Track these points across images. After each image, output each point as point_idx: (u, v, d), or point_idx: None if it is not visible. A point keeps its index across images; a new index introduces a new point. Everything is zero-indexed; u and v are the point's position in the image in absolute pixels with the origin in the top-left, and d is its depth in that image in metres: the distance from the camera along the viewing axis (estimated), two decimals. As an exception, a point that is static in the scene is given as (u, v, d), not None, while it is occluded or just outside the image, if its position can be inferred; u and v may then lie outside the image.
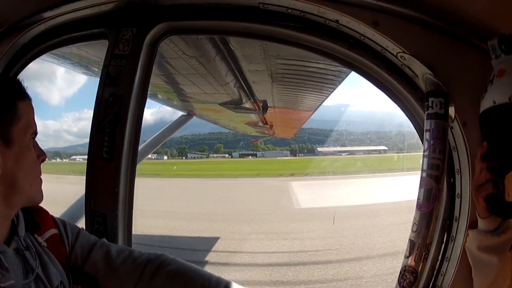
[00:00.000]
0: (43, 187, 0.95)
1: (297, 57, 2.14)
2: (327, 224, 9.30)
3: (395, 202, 11.06)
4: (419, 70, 1.09)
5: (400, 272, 1.12)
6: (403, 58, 1.10)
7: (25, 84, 0.93)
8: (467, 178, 1.13)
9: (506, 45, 0.92)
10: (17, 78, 0.95)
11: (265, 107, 3.91)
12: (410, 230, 1.10)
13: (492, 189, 0.91)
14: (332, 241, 7.98)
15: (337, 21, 1.10)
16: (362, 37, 1.12)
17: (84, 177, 1.28)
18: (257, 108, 3.87)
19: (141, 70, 1.27)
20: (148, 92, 1.33)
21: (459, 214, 1.17)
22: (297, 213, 11.84)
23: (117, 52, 1.28)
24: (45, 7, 1.33)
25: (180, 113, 4.96)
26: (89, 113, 1.33)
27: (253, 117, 5.00)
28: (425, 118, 1.07)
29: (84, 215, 1.30)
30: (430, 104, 1.06)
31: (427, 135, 1.06)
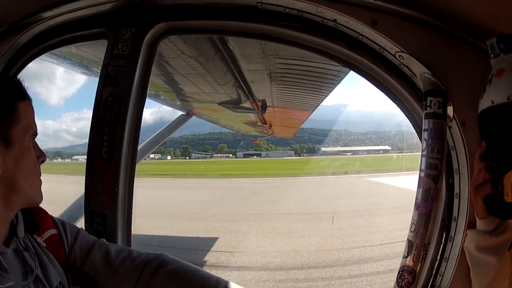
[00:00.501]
0: (43, 187, 0.94)
1: (296, 56, 2.14)
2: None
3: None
4: (418, 70, 1.09)
5: (398, 272, 1.12)
6: (401, 57, 1.09)
7: (25, 84, 0.93)
8: (465, 178, 1.13)
9: (505, 44, 0.91)
10: (18, 78, 0.94)
11: (264, 107, 3.91)
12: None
13: (491, 190, 0.90)
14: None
15: (335, 20, 1.10)
16: (360, 37, 1.12)
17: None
18: (256, 107, 3.87)
19: (140, 70, 1.27)
20: (148, 92, 1.33)
21: (458, 214, 1.16)
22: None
23: (116, 52, 1.28)
24: (45, 7, 1.34)
25: (179, 113, 4.96)
26: (88, 113, 1.33)
27: (252, 116, 5.00)
28: (423, 117, 1.07)
29: (83, 215, 1.31)
30: (428, 104, 1.05)
31: (425, 135, 1.06)
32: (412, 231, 1.08)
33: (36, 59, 1.54)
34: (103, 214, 1.26)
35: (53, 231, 1.01)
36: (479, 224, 0.98)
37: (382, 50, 1.12)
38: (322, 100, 3.67)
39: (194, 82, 2.82)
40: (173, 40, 1.88)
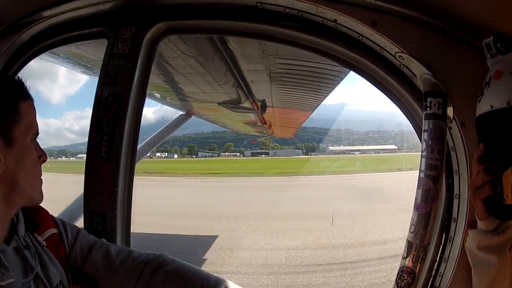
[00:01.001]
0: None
1: (296, 56, 2.13)
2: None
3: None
4: (418, 70, 1.09)
5: (398, 272, 1.12)
6: (401, 58, 1.09)
7: (27, 84, 0.93)
8: (465, 179, 1.13)
9: (502, 44, 0.89)
10: (19, 78, 0.95)
11: (263, 107, 3.90)
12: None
13: (490, 191, 0.90)
14: None
15: (335, 20, 1.10)
16: (360, 37, 1.12)
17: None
18: (255, 107, 3.86)
19: (140, 69, 1.27)
20: (148, 91, 1.33)
21: (458, 214, 1.16)
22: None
23: (116, 51, 1.28)
24: (45, 6, 1.34)
25: (180, 112, 4.96)
26: (91, 112, 1.32)
27: (252, 116, 5.00)
28: (423, 118, 1.07)
29: (82, 215, 1.31)
30: (428, 104, 1.05)
31: (425, 135, 1.06)
32: (411, 232, 1.08)
33: (36, 58, 1.54)
34: (102, 213, 1.26)
35: (53, 231, 1.02)
36: (480, 224, 0.97)
37: (382, 50, 1.12)
38: (322, 100, 3.66)
39: (194, 82, 2.82)
40: (173, 39, 1.88)
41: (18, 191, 0.88)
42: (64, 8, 1.33)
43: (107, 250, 1.07)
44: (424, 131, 1.06)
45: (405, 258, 1.10)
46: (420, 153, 1.08)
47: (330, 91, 3.11)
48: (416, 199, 1.07)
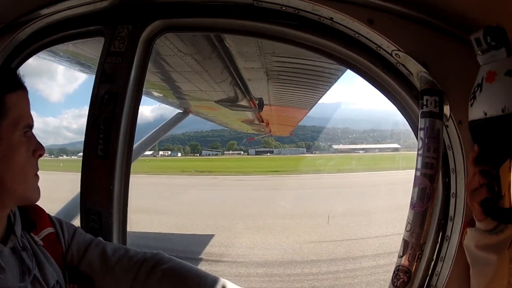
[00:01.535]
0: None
1: (293, 54, 2.13)
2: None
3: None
4: (414, 68, 1.09)
5: (394, 271, 1.11)
6: (398, 56, 1.09)
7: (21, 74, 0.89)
8: (462, 178, 1.12)
9: (493, 38, 0.83)
10: (12, 68, 0.91)
11: (261, 105, 3.90)
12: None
13: (487, 194, 0.88)
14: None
15: (331, 18, 1.10)
16: (356, 35, 1.12)
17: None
18: (253, 105, 3.86)
19: (136, 68, 1.27)
20: (145, 90, 1.33)
21: (454, 213, 1.15)
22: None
23: (112, 49, 1.28)
24: (42, 4, 1.34)
25: (177, 110, 4.96)
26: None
27: (249, 115, 5.00)
28: (419, 116, 1.06)
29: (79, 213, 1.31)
30: (424, 103, 1.05)
31: (421, 134, 1.05)
32: (407, 231, 1.07)
33: (34, 57, 1.54)
34: (98, 212, 1.26)
35: (50, 230, 1.00)
36: (478, 224, 0.96)
37: (378, 48, 1.12)
38: (319, 99, 3.66)
39: (191, 80, 2.82)
40: (170, 38, 1.88)
41: (7, 191, 0.83)
42: (61, 6, 1.34)
43: (103, 248, 1.06)
44: (421, 129, 1.06)
45: (401, 257, 1.09)
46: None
47: (327, 90, 3.10)
48: (412, 198, 1.06)
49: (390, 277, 1.13)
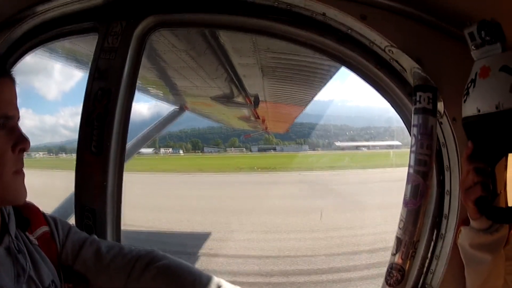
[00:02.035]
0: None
1: (287, 51, 2.12)
2: None
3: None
4: (407, 64, 1.08)
5: (387, 269, 1.10)
6: (391, 52, 1.08)
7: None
8: (456, 175, 1.11)
9: (488, 32, 0.81)
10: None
11: (256, 102, 3.88)
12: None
13: (481, 192, 0.86)
14: None
15: (324, 14, 1.09)
16: (349, 31, 1.11)
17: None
18: (248, 102, 3.86)
19: (129, 64, 1.26)
20: (141, 86, 1.33)
21: (449, 211, 1.15)
22: None
23: (106, 45, 1.28)
24: (38, 1, 1.34)
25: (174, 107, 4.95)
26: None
27: (245, 111, 4.98)
28: (412, 112, 1.05)
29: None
30: (417, 99, 1.04)
31: (414, 130, 1.04)
32: (400, 228, 1.07)
33: (31, 55, 1.54)
34: (92, 209, 1.26)
35: (45, 228, 0.98)
36: (473, 223, 0.95)
37: (371, 44, 1.11)
38: (315, 95, 3.64)
39: (186, 76, 2.82)
40: (165, 34, 1.88)
41: None
42: (56, 3, 1.33)
43: (97, 246, 1.04)
44: (414, 126, 1.05)
45: (394, 254, 1.08)
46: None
47: (323, 86, 3.09)
48: (405, 195, 1.05)
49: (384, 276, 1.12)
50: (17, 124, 0.85)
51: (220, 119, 7.06)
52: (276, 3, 1.12)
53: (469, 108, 0.85)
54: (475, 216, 0.92)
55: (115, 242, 1.24)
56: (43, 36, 1.44)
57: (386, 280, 1.11)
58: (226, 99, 3.62)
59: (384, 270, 1.11)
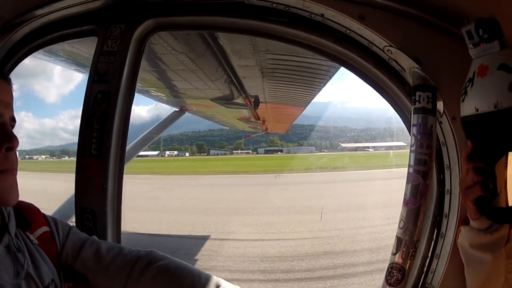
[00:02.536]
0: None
1: (287, 52, 2.14)
2: None
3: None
4: (406, 64, 1.08)
5: (387, 269, 1.10)
6: (390, 52, 1.08)
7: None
8: (456, 174, 1.11)
9: (485, 30, 0.80)
10: None
11: (256, 103, 3.90)
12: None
13: (481, 191, 0.85)
14: None
15: (322, 15, 1.09)
16: (348, 31, 1.11)
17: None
18: (248, 103, 3.87)
19: (129, 67, 1.27)
20: (141, 88, 1.34)
21: (449, 210, 1.14)
22: None
23: (105, 48, 1.29)
24: (37, 5, 1.34)
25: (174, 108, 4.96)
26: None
27: (245, 112, 5.01)
28: (412, 112, 1.05)
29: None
30: (417, 99, 1.04)
31: (414, 130, 1.04)
32: (400, 228, 1.07)
33: (30, 57, 1.55)
34: (92, 210, 1.27)
35: (45, 229, 1.00)
36: (472, 223, 0.94)
37: (370, 44, 1.11)
38: (315, 96, 3.67)
39: (186, 78, 2.84)
40: (164, 36, 1.89)
41: None
42: (55, 6, 1.34)
43: (97, 247, 1.05)
44: (413, 125, 1.05)
45: (395, 254, 1.08)
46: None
47: (322, 87, 3.11)
48: (405, 195, 1.05)
49: (384, 275, 1.12)
50: (7, 122, 0.84)
51: (221, 120, 7.08)
52: (274, 5, 1.12)
53: (468, 108, 0.84)
54: (475, 216, 0.91)
55: (115, 243, 1.24)
56: (42, 39, 1.45)
57: (387, 280, 1.11)
58: (226, 101, 3.63)
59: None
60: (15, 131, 0.87)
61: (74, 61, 2.74)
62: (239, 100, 3.65)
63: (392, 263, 1.09)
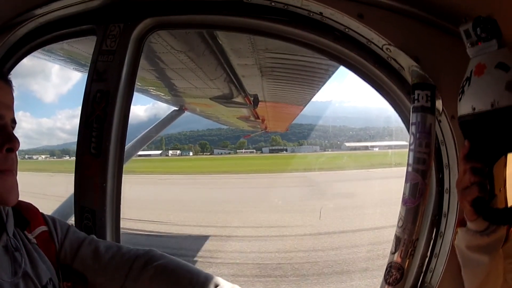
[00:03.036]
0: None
1: (286, 50, 2.14)
2: None
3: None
4: (405, 63, 1.07)
5: (386, 268, 1.10)
6: (388, 50, 1.08)
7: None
8: (455, 173, 1.10)
9: (483, 29, 0.78)
10: None
11: (256, 101, 3.90)
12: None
13: (478, 192, 0.82)
14: None
15: (321, 13, 1.09)
16: (347, 30, 1.11)
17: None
18: (248, 102, 3.87)
19: (127, 66, 1.27)
20: (140, 87, 1.34)
21: (448, 209, 1.14)
22: None
23: (104, 48, 1.29)
24: (36, 5, 1.35)
25: (173, 109, 4.96)
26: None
27: (245, 111, 5.01)
28: (411, 111, 1.05)
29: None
30: (416, 97, 1.03)
31: (413, 129, 1.04)
32: (399, 227, 1.06)
33: (29, 56, 1.55)
34: (92, 210, 1.27)
35: (43, 228, 1.00)
36: (469, 224, 0.91)
37: (369, 43, 1.10)
38: (314, 95, 3.67)
39: (185, 77, 2.85)
40: (163, 35, 1.89)
41: None
42: (54, 6, 1.34)
43: (96, 246, 1.06)
44: (412, 124, 1.04)
45: (394, 253, 1.08)
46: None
47: (321, 85, 3.11)
48: (404, 194, 1.05)
49: (383, 274, 1.12)
50: (7, 124, 0.86)
51: (220, 119, 7.08)
52: (273, 3, 1.12)
53: (464, 107, 0.82)
54: (471, 217, 0.88)
55: (113, 242, 1.24)
56: (42, 38, 1.46)
57: (385, 279, 1.11)
58: (226, 100, 3.63)
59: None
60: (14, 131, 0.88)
61: (73, 60, 2.75)
62: (239, 99, 3.65)
63: (391, 262, 1.09)
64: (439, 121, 1.11)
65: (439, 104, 1.07)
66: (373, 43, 1.10)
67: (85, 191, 1.28)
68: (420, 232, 1.09)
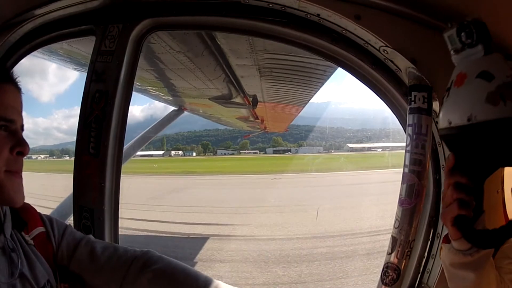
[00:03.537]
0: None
1: (284, 51, 2.14)
2: None
3: None
4: (402, 64, 1.08)
5: (383, 269, 1.11)
6: (385, 52, 1.08)
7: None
8: (452, 174, 1.11)
9: (468, 35, 0.70)
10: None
11: (255, 102, 3.90)
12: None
13: (459, 210, 0.73)
14: None
15: (318, 15, 1.09)
16: (344, 31, 1.11)
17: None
18: (247, 102, 3.87)
19: (126, 66, 1.28)
20: (139, 87, 1.35)
21: (445, 210, 1.14)
22: None
23: (103, 48, 1.29)
24: (36, 5, 1.35)
25: (171, 109, 4.98)
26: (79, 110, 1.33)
27: (244, 111, 5.00)
28: (407, 112, 1.05)
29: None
30: (412, 99, 1.04)
31: (409, 130, 1.05)
32: (396, 228, 1.07)
33: (29, 56, 1.56)
34: (90, 209, 1.27)
35: (41, 229, 0.99)
36: (453, 243, 0.81)
37: (366, 44, 1.11)
38: (313, 95, 3.67)
39: (184, 77, 2.85)
40: (162, 36, 1.89)
41: None
42: (54, 6, 1.35)
43: (92, 247, 1.04)
44: (409, 125, 1.05)
45: (390, 254, 1.09)
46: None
47: (320, 86, 3.11)
48: (400, 195, 1.06)
49: (379, 275, 1.12)
50: (19, 129, 0.88)
51: (219, 120, 7.08)
52: (271, 5, 1.13)
53: (442, 120, 0.73)
54: (454, 236, 0.79)
55: (110, 242, 1.24)
56: (41, 38, 1.46)
57: (382, 279, 1.11)
58: (225, 100, 3.63)
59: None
60: None
61: (73, 60, 2.76)
62: (238, 100, 3.65)
63: (387, 263, 1.09)
64: (436, 122, 1.11)
65: (435, 105, 1.08)
66: (370, 44, 1.10)
67: (84, 190, 1.28)
68: (417, 233, 1.09)
